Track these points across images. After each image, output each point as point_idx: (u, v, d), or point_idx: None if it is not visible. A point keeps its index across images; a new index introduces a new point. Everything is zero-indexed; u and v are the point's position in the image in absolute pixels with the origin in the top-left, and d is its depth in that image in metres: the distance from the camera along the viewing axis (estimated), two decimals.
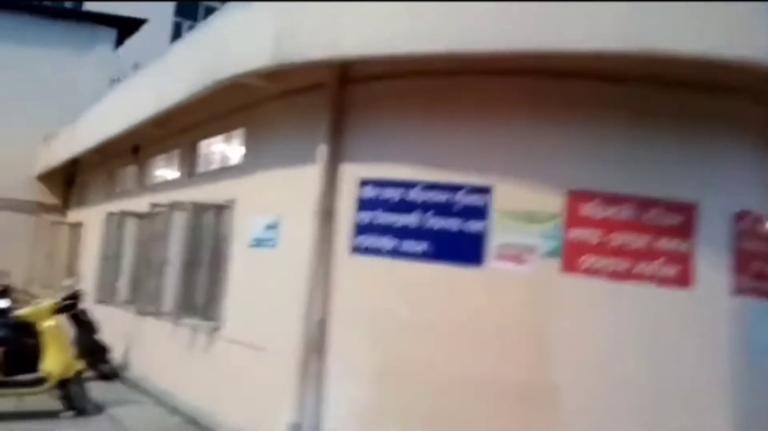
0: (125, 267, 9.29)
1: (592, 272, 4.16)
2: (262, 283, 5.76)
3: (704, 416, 4.05)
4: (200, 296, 6.76)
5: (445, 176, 4.57)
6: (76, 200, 14.16)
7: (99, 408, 6.53)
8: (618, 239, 4.15)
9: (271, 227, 5.73)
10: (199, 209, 7.01)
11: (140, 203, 8.91)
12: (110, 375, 8.15)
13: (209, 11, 11.84)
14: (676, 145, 4.21)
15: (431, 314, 4.54)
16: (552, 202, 4.27)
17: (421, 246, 4.60)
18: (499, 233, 4.36)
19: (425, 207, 4.61)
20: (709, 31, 3.54)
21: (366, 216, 4.87)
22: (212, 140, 7.55)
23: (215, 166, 7.40)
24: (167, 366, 7.35)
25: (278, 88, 5.70)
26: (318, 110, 5.20)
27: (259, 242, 5.89)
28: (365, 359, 4.76)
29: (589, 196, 4.22)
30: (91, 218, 11.79)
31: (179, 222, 7.36)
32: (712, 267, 4.09)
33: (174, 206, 7.58)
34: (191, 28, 14.07)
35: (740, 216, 4.29)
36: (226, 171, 6.98)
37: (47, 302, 6.66)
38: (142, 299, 8.19)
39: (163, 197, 8.06)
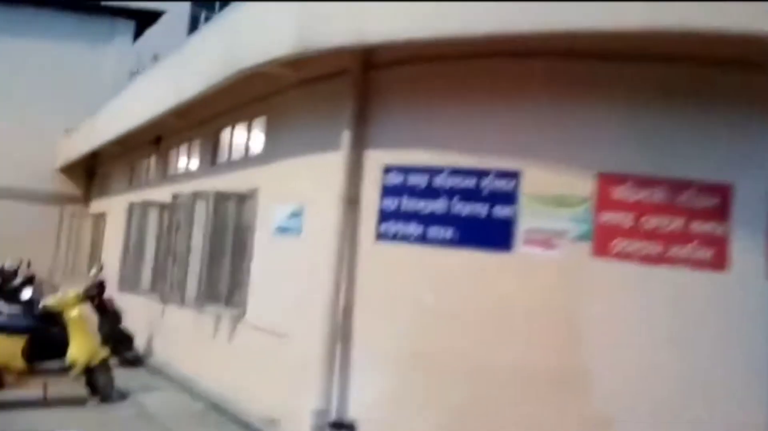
0: (148, 256, 9.36)
1: (623, 256, 4.09)
2: (287, 271, 5.76)
3: (738, 402, 3.96)
4: (224, 284, 6.79)
5: (471, 161, 4.51)
6: (98, 191, 14.32)
7: (123, 395, 6.62)
8: (651, 222, 4.07)
9: (295, 214, 5.72)
10: (221, 198, 7.03)
11: (162, 193, 8.97)
12: (134, 362, 8.26)
13: (226, 1, 11.82)
14: (710, 125, 4.10)
15: (458, 300, 4.50)
16: (582, 185, 4.20)
17: (447, 232, 4.55)
18: (527, 218, 4.30)
19: (451, 193, 4.56)
20: (742, 7, 3.43)
21: (391, 203, 4.83)
22: (233, 129, 7.56)
23: (237, 155, 7.41)
24: (190, 353, 7.41)
25: (299, 76, 5.68)
26: (341, 96, 5.17)
27: (283, 230, 5.89)
28: (391, 346, 4.73)
29: (621, 179, 4.14)
30: (114, 208, 11.91)
31: (201, 211, 7.38)
32: (748, 250, 3.99)
33: (196, 195, 7.62)
34: (208, 19, 14.07)
35: None
36: (247, 160, 6.98)
37: (72, 291, 6.74)
38: (166, 287, 8.25)
39: (185, 187, 8.10)
